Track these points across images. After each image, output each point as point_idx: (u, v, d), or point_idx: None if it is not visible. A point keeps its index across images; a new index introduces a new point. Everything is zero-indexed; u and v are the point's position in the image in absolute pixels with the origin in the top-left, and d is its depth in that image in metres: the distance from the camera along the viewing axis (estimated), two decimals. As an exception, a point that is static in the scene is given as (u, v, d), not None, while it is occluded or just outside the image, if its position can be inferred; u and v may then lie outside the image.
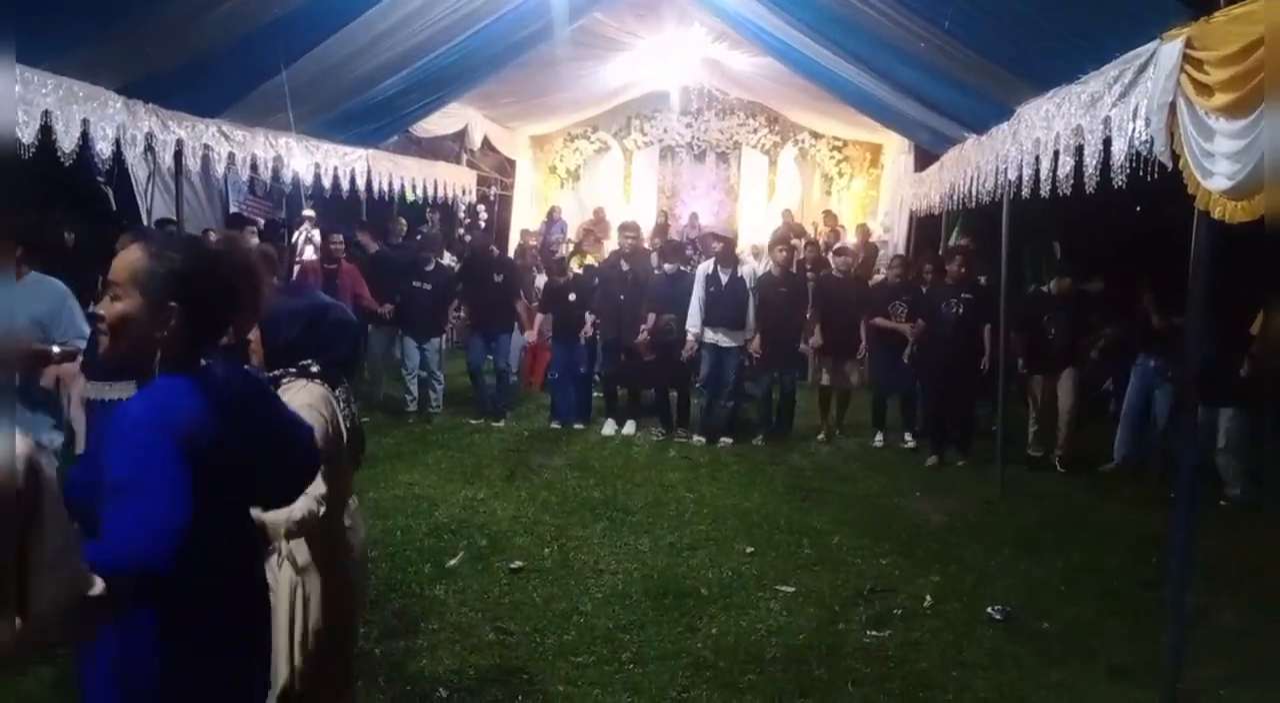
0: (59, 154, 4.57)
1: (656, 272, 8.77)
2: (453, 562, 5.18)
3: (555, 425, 8.64)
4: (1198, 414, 5.87)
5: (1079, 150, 4.59)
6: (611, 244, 10.89)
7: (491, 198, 14.79)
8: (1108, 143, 4.18)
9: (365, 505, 3.13)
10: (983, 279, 8.13)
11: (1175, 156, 3.53)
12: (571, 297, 8.58)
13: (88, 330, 4.24)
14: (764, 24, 7.99)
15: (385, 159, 9.69)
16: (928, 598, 4.91)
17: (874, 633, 4.50)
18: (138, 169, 9.58)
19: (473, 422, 8.66)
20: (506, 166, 14.94)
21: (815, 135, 14.80)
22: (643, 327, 8.23)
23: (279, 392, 2.59)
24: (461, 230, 13.85)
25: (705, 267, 8.32)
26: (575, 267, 9.63)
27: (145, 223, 9.63)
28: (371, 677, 3.82)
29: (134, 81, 5.15)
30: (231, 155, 6.55)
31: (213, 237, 9.50)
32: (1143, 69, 3.82)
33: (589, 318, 8.51)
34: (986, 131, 6.65)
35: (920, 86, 7.16)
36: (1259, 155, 2.91)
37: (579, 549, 5.48)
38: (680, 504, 6.43)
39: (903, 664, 4.17)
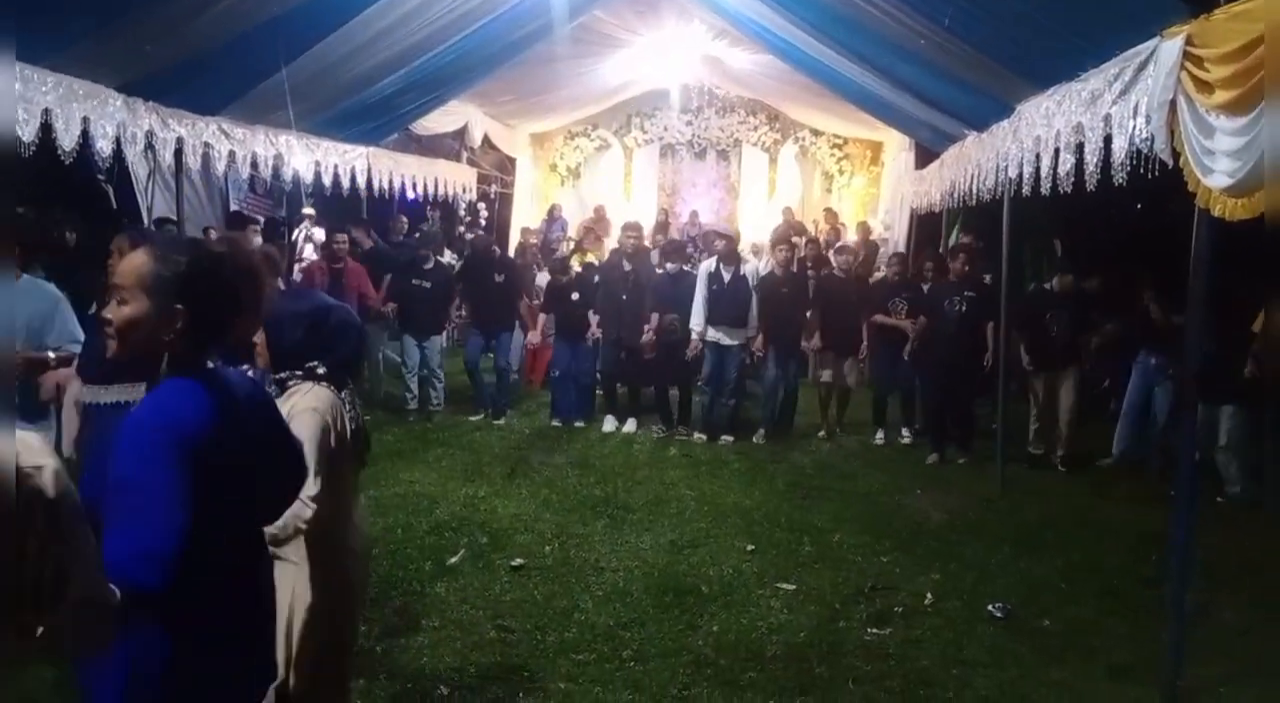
0: (59, 152, 4.57)
1: (658, 271, 8.76)
2: (454, 560, 5.19)
3: (556, 424, 8.64)
4: (1198, 412, 5.89)
5: (1079, 148, 4.58)
6: (612, 242, 10.90)
7: (492, 196, 14.80)
8: (1108, 140, 4.18)
9: (366, 504, 3.14)
10: (988, 278, 8.11)
11: (1175, 154, 3.53)
12: (574, 296, 8.58)
13: (81, 334, 4.23)
14: (764, 21, 7.98)
15: (385, 157, 9.69)
16: (928, 596, 4.91)
17: (875, 631, 4.50)
18: (138, 167, 9.57)
19: (471, 419, 8.67)
20: (507, 164, 14.95)
21: (816, 133, 14.80)
22: (646, 327, 8.23)
23: (286, 394, 2.61)
24: (462, 228, 13.85)
25: (707, 264, 8.32)
26: (575, 264, 9.62)
27: (146, 221, 9.63)
28: (373, 674, 3.82)
29: (134, 79, 5.15)
30: (232, 153, 6.55)
31: (213, 234, 9.56)
32: (1143, 66, 3.81)
33: (593, 319, 8.50)
34: (987, 129, 6.65)
35: (921, 84, 7.15)
36: (1259, 153, 2.91)
37: (580, 547, 5.48)
38: (681, 502, 6.43)
39: (903, 662, 4.18)
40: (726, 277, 8.10)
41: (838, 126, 14.13)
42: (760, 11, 7.68)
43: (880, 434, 8.46)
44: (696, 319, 8.08)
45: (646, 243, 10.29)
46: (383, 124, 9.00)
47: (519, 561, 5.19)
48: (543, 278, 10.00)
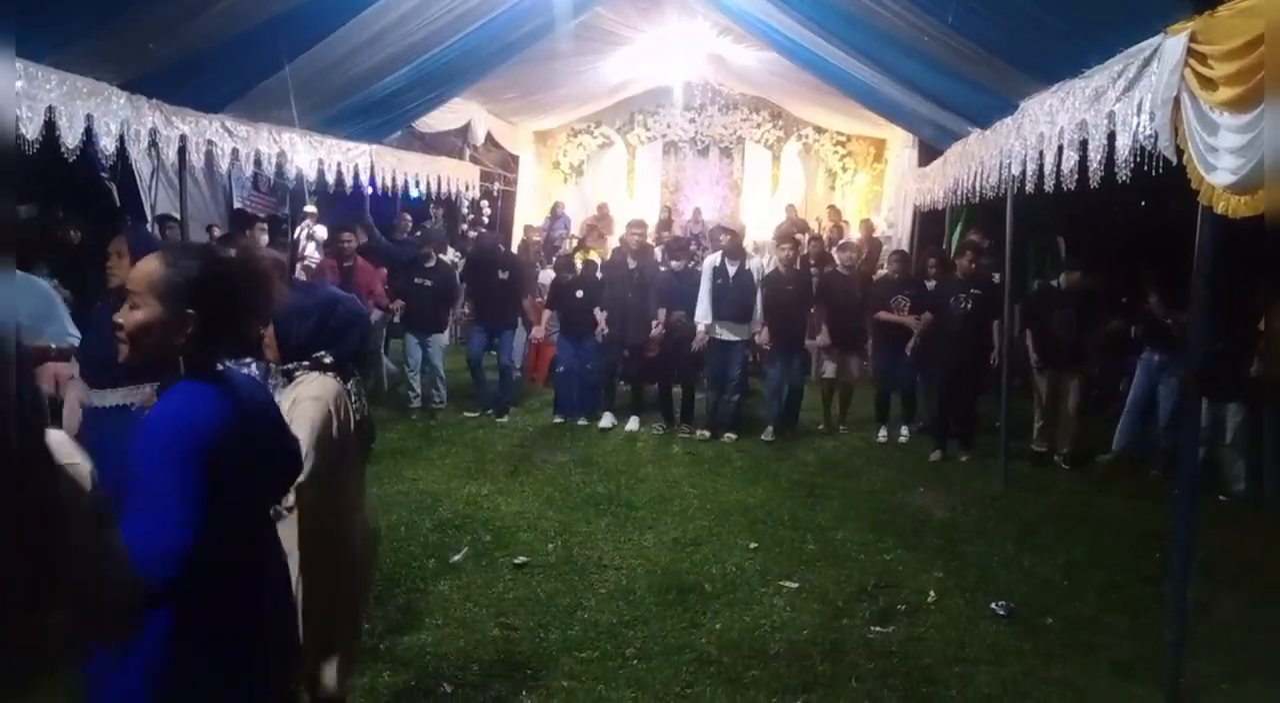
0: (62, 150, 4.57)
1: (663, 268, 8.76)
2: (457, 557, 5.19)
3: (559, 421, 8.64)
4: (1201, 410, 5.89)
5: (1083, 145, 4.58)
6: (615, 240, 10.89)
7: (495, 193, 14.80)
8: (1112, 137, 4.17)
9: (370, 502, 3.15)
10: (996, 277, 8.09)
11: (1179, 151, 3.53)
12: (578, 293, 8.58)
13: (76, 332, 4.24)
14: (767, 18, 7.97)
15: (389, 155, 9.69)
16: (931, 593, 4.91)
17: (877, 629, 4.50)
18: (142, 165, 9.60)
19: (471, 416, 8.67)
20: (510, 162, 14.96)
21: (819, 130, 14.78)
22: (655, 322, 8.23)
23: (293, 384, 2.65)
24: (465, 226, 13.86)
25: (712, 259, 8.32)
26: (578, 262, 9.62)
27: (149, 219, 9.66)
28: (376, 671, 3.83)
29: (138, 77, 5.16)
30: (235, 151, 6.56)
31: (216, 232, 9.59)
32: (1147, 63, 3.81)
33: (600, 316, 8.49)
34: (990, 126, 6.64)
35: (924, 81, 7.14)
36: (1263, 150, 2.90)
37: (583, 545, 5.48)
38: (684, 500, 6.44)
39: (906, 660, 4.18)
40: (731, 271, 8.09)
41: (841, 124, 14.11)
42: (763, 8, 7.68)
43: (883, 431, 8.46)
44: (702, 312, 8.07)
45: (650, 240, 10.28)
46: (386, 122, 9.01)
47: (522, 558, 5.20)
48: (546, 275, 10.01)
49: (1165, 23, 3.60)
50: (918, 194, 10.59)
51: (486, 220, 14.17)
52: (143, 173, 10.06)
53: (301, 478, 2.44)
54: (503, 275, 8.79)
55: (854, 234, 12.86)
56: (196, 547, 1.70)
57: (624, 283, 8.51)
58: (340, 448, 2.68)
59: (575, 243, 11.90)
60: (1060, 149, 4.89)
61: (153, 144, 5.59)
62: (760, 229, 13.10)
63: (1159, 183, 4.06)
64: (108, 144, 4.98)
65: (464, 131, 11.96)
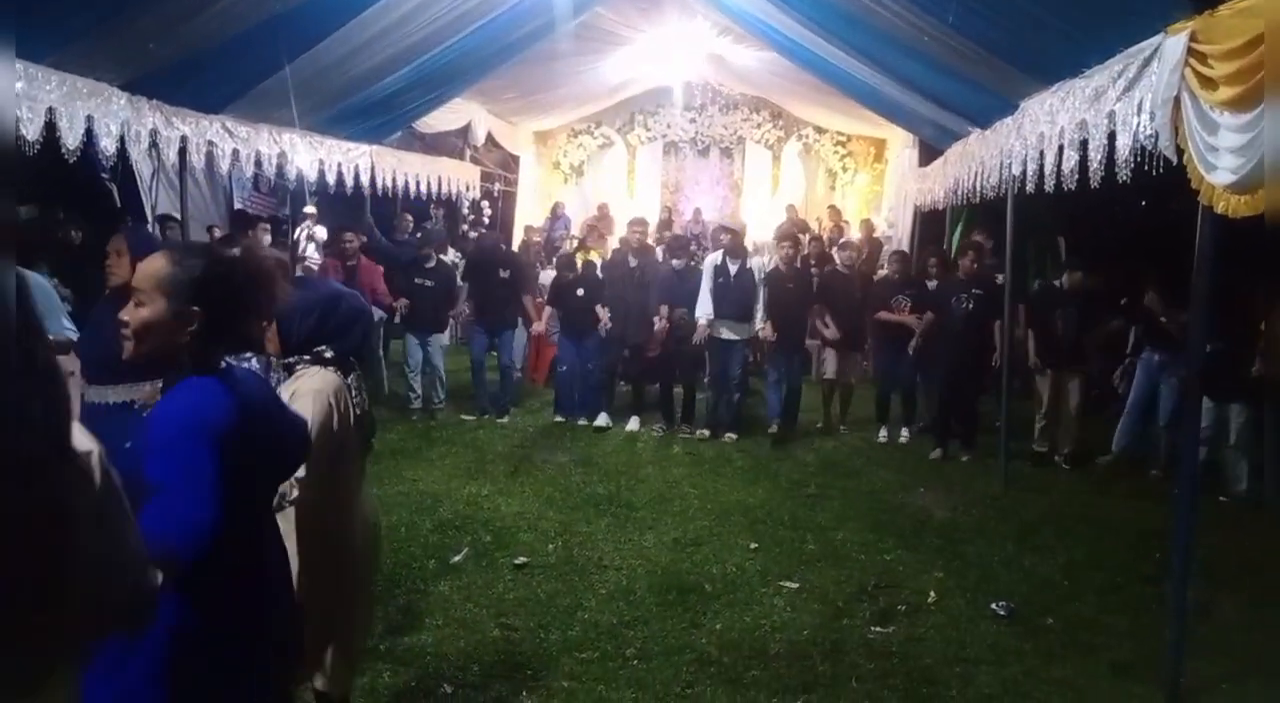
0: (63, 151, 4.57)
1: (664, 268, 8.75)
2: (457, 558, 5.19)
3: (559, 421, 8.64)
4: (1201, 409, 5.89)
5: (1083, 145, 4.58)
6: (615, 240, 10.89)
7: (495, 194, 14.80)
8: (1112, 137, 4.17)
9: (370, 498, 3.15)
10: (999, 278, 8.08)
11: (1179, 151, 3.53)
12: (579, 291, 8.57)
13: (73, 327, 4.24)
14: (767, 18, 7.98)
15: (389, 155, 9.70)
16: (931, 594, 4.91)
17: (878, 629, 4.50)
18: (142, 166, 9.60)
19: (467, 418, 8.67)
20: (510, 162, 14.96)
21: (819, 130, 14.78)
22: (658, 317, 8.22)
23: (294, 377, 2.67)
24: (465, 227, 13.87)
25: (714, 258, 8.31)
26: (578, 261, 9.62)
27: (150, 220, 9.66)
28: (376, 672, 3.83)
29: (138, 78, 5.16)
30: (236, 152, 6.56)
31: (217, 233, 9.59)
32: (1147, 63, 3.80)
33: (603, 313, 8.48)
34: (991, 126, 6.64)
35: (924, 81, 7.14)
36: (1263, 150, 2.90)
37: (583, 545, 5.48)
38: (684, 500, 6.44)
39: (906, 660, 4.18)
40: (733, 269, 8.09)
41: (841, 124, 14.11)
42: (764, 8, 7.68)
43: (884, 431, 8.45)
44: (703, 308, 8.06)
45: (651, 241, 10.28)
46: (386, 122, 9.01)
47: (522, 559, 5.20)
48: (546, 276, 10.00)
49: (1165, 22, 3.60)
50: (918, 194, 10.59)
51: (487, 221, 14.16)
52: (143, 173, 10.06)
53: (299, 473, 2.44)
54: (504, 274, 8.79)
55: (854, 234, 12.85)
56: (220, 523, 1.74)
57: (625, 281, 8.51)
58: (340, 442, 2.68)
59: (575, 243, 11.90)
60: (1061, 149, 4.89)
61: (153, 145, 5.59)
62: (761, 229, 13.10)
63: (1159, 183, 4.06)
64: (108, 145, 4.98)
65: (464, 132, 11.97)
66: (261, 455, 1.94)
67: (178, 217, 7.91)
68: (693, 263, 8.71)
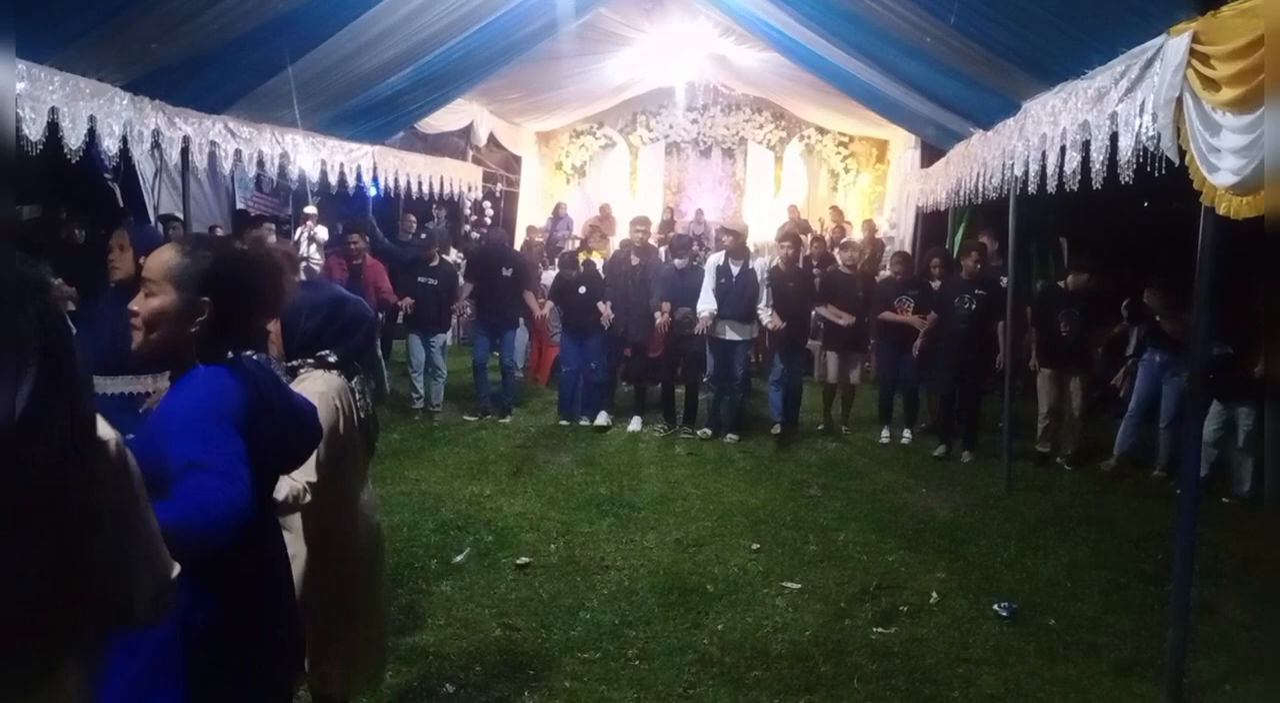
0: (66, 151, 4.58)
1: (665, 267, 8.75)
2: (459, 558, 5.20)
3: (562, 422, 8.64)
4: (1203, 410, 5.88)
5: (1085, 145, 4.57)
6: (618, 241, 10.89)
7: (497, 194, 14.81)
8: (1114, 138, 4.17)
9: (372, 500, 3.15)
10: (1004, 280, 8.08)
11: (1181, 152, 3.52)
12: (581, 289, 8.57)
13: (69, 323, 4.23)
14: (770, 19, 7.97)
15: (391, 155, 9.70)
16: (934, 594, 4.91)
17: (880, 629, 4.50)
18: (144, 166, 9.61)
19: (469, 418, 8.67)
20: (512, 163, 14.97)
21: (821, 131, 14.77)
22: (657, 313, 8.22)
23: (296, 381, 2.67)
24: (468, 227, 13.88)
25: (716, 258, 8.30)
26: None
27: (152, 220, 9.67)
28: (378, 672, 3.83)
29: (140, 78, 5.16)
30: (238, 152, 6.56)
31: (219, 233, 9.62)
32: (1149, 64, 3.80)
33: (605, 307, 8.45)
34: (993, 127, 6.64)
35: (926, 81, 7.14)
36: (1264, 152, 2.90)
37: (585, 545, 5.49)
38: (686, 501, 6.44)
39: (908, 660, 4.18)
40: (735, 270, 8.08)
41: (843, 124, 14.10)
42: (766, 9, 7.67)
43: (886, 432, 8.46)
44: (705, 304, 8.05)
45: (653, 241, 10.27)
46: (388, 122, 9.01)
47: (524, 559, 5.20)
48: (548, 276, 10.01)
49: (1168, 23, 3.60)
50: (920, 195, 10.58)
51: (489, 221, 14.17)
52: (146, 174, 10.09)
53: (311, 478, 2.45)
54: (506, 273, 8.79)
55: (856, 235, 12.84)
56: (253, 501, 1.73)
57: (626, 280, 8.51)
58: (344, 445, 2.69)
59: (578, 244, 11.91)
60: (1063, 150, 4.88)
61: (156, 145, 5.59)
62: (763, 230, 13.10)
63: (1161, 183, 4.06)
64: (111, 145, 4.98)
65: (467, 132, 11.98)
66: (269, 444, 1.95)
67: (180, 217, 7.92)
68: (695, 263, 8.70)
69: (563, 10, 7.75)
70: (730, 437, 8.23)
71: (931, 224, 11.07)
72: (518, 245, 12.60)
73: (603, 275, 8.77)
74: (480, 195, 13.78)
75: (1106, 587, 5.10)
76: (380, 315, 8.84)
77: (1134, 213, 10.44)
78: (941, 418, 8.15)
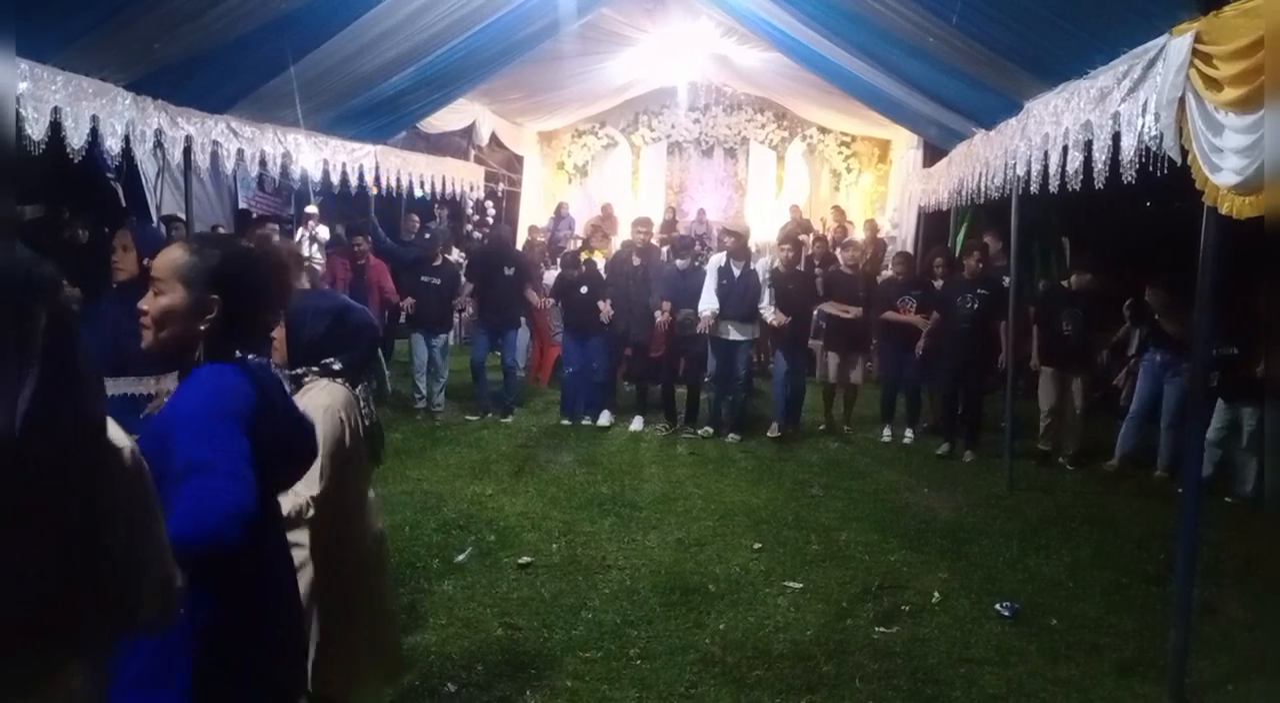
0: (68, 151, 4.58)
1: (667, 267, 8.75)
2: (461, 557, 5.20)
3: (564, 421, 8.65)
4: (1205, 410, 5.87)
5: (1088, 145, 4.57)
6: (620, 241, 10.89)
7: (499, 194, 14.81)
8: (1117, 138, 4.17)
9: (376, 506, 3.15)
10: (1006, 280, 8.08)
11: (1184, 152, 3.52)
12: (583, 289, 8.57)
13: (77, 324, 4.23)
14: (772, 19, 7.98)
15: (393, 155, 9.70)
16: (936, 594, 4.91)
17: (882, 629, 4.50)
18: (147, 166, 9.61)
19: (470, 418, 8.68)
20: (514, 162, 14.98)
21: (823, 131, 14.76)
22: (658, 312, 8.22)
23: (302, 390, 2.66)
24: (470, 227, 13.88)
25: (717, 259, 8.30)
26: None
27: (155, 219, 9.68)
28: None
29: (143, 78, 5.16)
30: (240, 151, 6.56)
31: (222, 233, 9.61)
32: (1152, 64, 3.80)
33: (604, 305, 8.45)
34: (995, 127, 6.63)
35: (928, 81, 7.13)
36: (1266, 153, 2.90)
37: (587, 545, 5.49)
38: (688, 500, 6.44)
39: (910, 660, 4.18)
40: (736, 271, 8.08)
41: (845, 124, 14.10)
42: (768, 9, 7.67)
43: (887, 431, 8.46)
44: (707, 303, 8.05)
45: (655, 241, 10.27)
46: (391, 122, 9.01)
47: (526, 558, 5.20)
48: (550, 276, 10.01)
49: (1170, 23, 3.59)
50: (922, 195, 10.57)
51: (491, 220, 14.19)
52: (148, 173, 10.08)
53: (315, 491, 2.45)
54: (508, 272, 8.80)
55: (859, 235, 12.84)
56: (259, 508, 1.74)
57: (628, 279, 8.51)
58: (348, 457, 2.69)
59: (580, 243, 11.92)
60: (1065, 149, 4.88)
61: (158, 145, 5.60)
62: (765, 230, 13.10)
63: (1164, 183, 4.06)
64: (113, 144, 4.98)
65: (469, 132, 11.98)
66: (273, 444, 1.95)
67: (183, 217, 7.92)
68: (696, 263, 8.70)
69: (565, 10, 7.76)
70: (732, 436, 8.23)
71: (934, 224, 11.06)
72: (520, 245, 12.62)
73: (604, 275, 8.77)
74: (482, 195, 13.78)
75: (1109, 587, 5.10)
76: (384, 315, 8.87)
77: (1136, 213, 10.43)
78: (944, 417, 8.16)
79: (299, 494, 2.37)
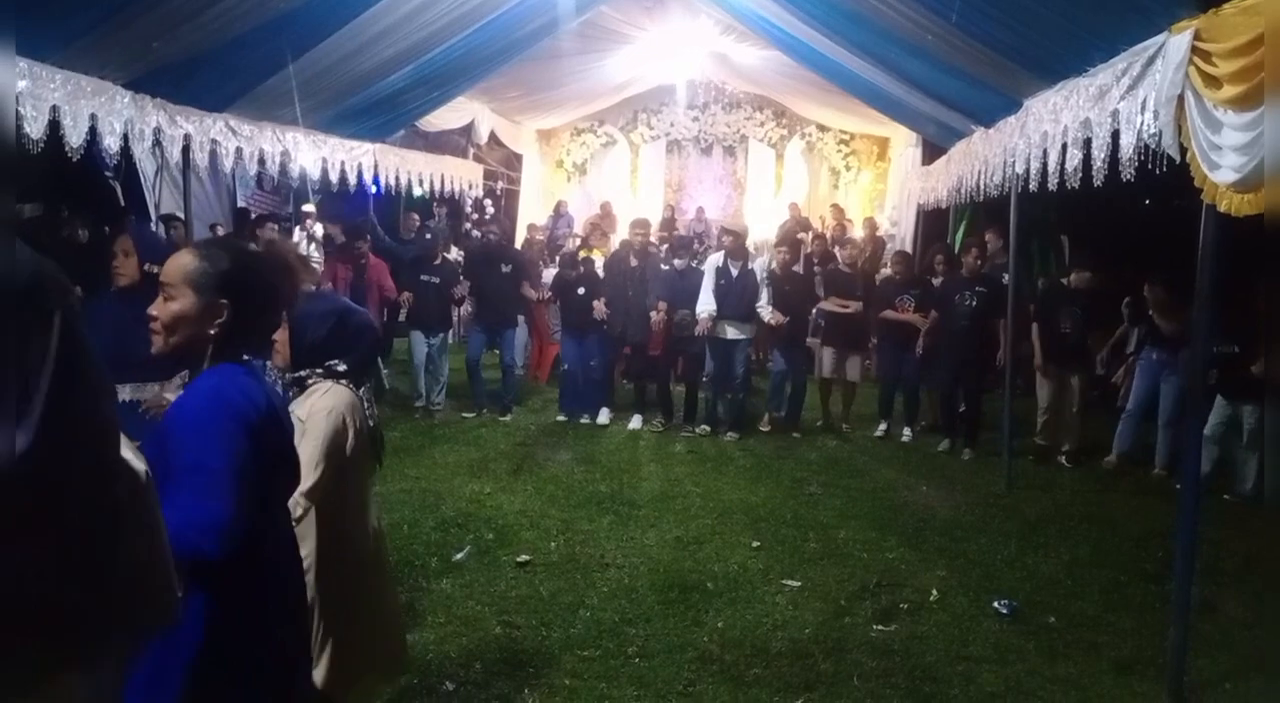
0: (67, 149, 4.58)
1: (665, 267, 8.75)
2: (459, 556, 5.20)
3: (563, 419, 8.65)
4: (1204, 408, 5.87)
5: (1087, 143, 4.57)
6: (619, 239, 10.89)
7: (498, 192, 14.81)
8: (1116, 136, 4.16)
9: (375, 506, 3.15)
10: (1006, 278, 8.08)
11: (1183, 149, 3.52)
12: (580, 290, 8.57)
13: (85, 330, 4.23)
14: (771, 17, 7.97)
15: (392, 153, 9.69)
16: (934, 592, 4.91)
17: (880, 627, 4.50)
18: (145, 164, 9.61)
19: (467, 415, 8.67)
20: (513, 161, 14.97)
21: (822, 129, 14.76)
22: (653, 312, 8.22)
23: (306, 393, 2.68)
24: (469, 225, 13.88)
25: (715, 259, 8.31)
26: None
27: (153, 218, 9.68)
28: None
29: (142, 76, 5.16)
30: (239, 150, 6.56)
31: (220, 231, 9.63)
32: (1151, 61, 3.79)
33: (599, 303, 8.45)
34: (994, 125, 6.63)
35: (928, 79, 7.13)
36: (1265, 150, 2.90)
37: (585, 543, 5.49)
38: (686, 498, 6.44)
39: (908, 658, 4.18)
40: (734, 271, 8.09)
41: (844, 122, 14.10)
42: (767, 7, 7.67)
43: (883, 426, 8.47)
44: (705, 304, 8.05)
45: (654, 239, 10.27)
46: (389, 120, 9.01)
47: (524, 557, 5.20)
48: (549, 274, 10.01)
49: (1169, 21, 3.59)
50: (921, 192, 10.58)
51: (489, 217, 14.19)
52: (147, 172, 10.09)
53: (309, 484, 2.45)
54: (505, 269, 8.79)
55: (858, 233, 12.84)
56: (245, 519, 1.77)
57: (625, 279, 8.51)
58: (353, 459, 2.69)
59: (579, 241, 11.91)
60: (1064, 147, 4.88)
61: (157, 143, 5.59)
62: (764, 228, 13.10)
63: (1163, 181, 4.05)
64: (112, 143, 4.98)
65: (467, 130, 11.98)
66: (276, 444, 1.97)
67: (181, 215, 7.92)
68: (694, 263, 8.70)
69: (563, 8, 7.75)
70: (730, 435, 8.24)
71: (933, 222, 11.07)
72: (519, 243, 12.62)
73: (601, 274, 8.77)
74: (481, 193, 13.78)
75: (1107, 585, 5.10)
76: (383, 313, 8.87)
77: (1135, 210, 10.43)
78: (943, 415, 8.17)
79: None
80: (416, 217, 12.15)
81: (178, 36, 4.92)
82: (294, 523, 2.48)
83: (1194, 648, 3.96)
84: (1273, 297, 2.74)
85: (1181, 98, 3.49)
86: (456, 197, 12.70)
